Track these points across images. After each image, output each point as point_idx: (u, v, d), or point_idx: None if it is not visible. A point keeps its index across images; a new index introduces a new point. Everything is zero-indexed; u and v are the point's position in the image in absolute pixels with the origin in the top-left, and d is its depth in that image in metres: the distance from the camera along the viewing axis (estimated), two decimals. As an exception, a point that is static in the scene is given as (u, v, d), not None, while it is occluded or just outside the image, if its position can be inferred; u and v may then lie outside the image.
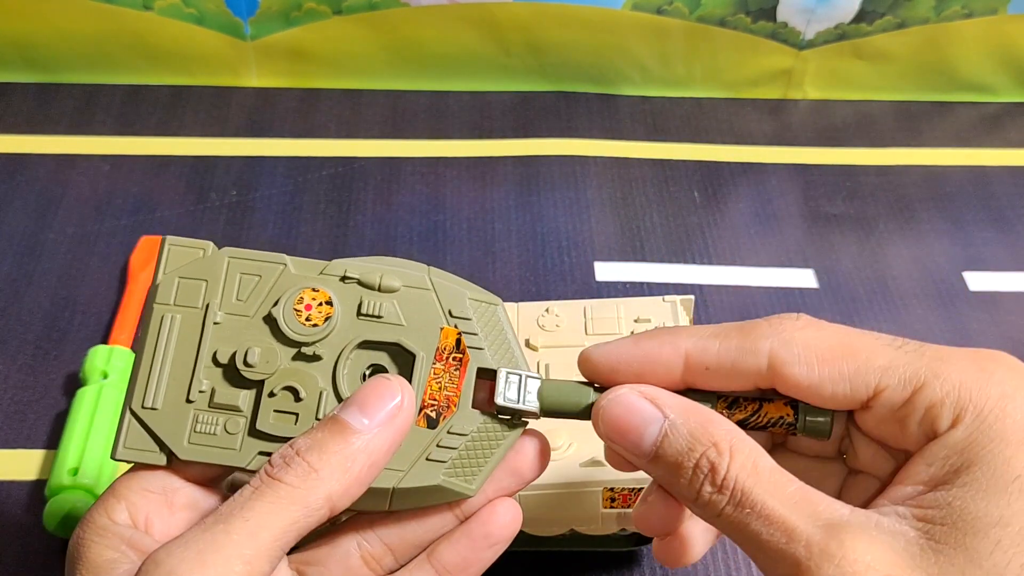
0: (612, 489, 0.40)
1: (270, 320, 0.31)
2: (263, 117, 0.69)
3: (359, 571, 0.31)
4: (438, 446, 0.30)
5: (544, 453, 0.32)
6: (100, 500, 0.29)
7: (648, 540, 0.45)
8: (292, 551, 0.30)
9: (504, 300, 0.32)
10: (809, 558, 0.25)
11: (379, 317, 0.31)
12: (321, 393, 0.30)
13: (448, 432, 0.30)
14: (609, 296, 0.58)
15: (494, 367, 0.31)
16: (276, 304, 0.31)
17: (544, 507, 0.40)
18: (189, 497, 0.30)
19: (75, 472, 0.46)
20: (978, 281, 0.61)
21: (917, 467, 0.27)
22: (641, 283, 0.59)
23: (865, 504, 0.27)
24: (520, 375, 0.31)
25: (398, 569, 0.31)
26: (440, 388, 0.30)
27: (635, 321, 0.45)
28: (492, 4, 0.67)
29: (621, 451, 0.29)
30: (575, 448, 0.41)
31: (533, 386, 0.30)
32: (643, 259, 0.61)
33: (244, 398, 0.30)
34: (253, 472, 0.29)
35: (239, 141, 0.68)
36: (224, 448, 0.30)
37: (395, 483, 0.30)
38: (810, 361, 0.28)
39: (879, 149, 0.69)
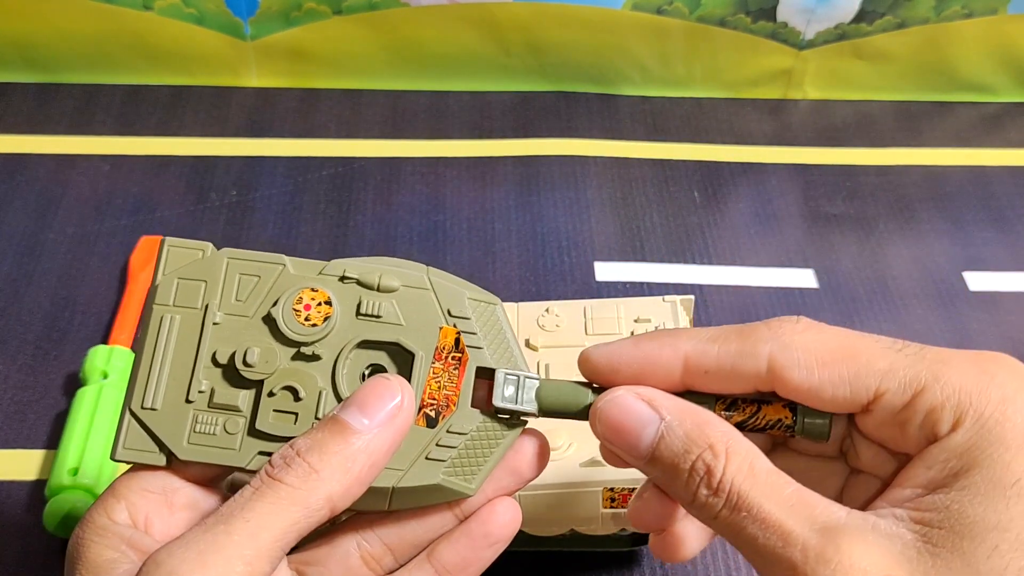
0: (612, 489, 0.40)
1: (269, 320, 0.31)
2: (263, 117, 0.69)
3: (359, 571, 0.31)
4: (437, 445, 0.30)
5: (544, 453, 0.32)
6: (100, 500, 0.29)
7: (648, 540, 0.45)
8: (292, 551, 0.30)
9: (504, 300, 0.32)
10: (805, 562, 0.25)
11: (378, 317, 0.31)
12: (320, 393, 0.30)
13: (447, 431, 0.30)
14: (609, 296, 0.58)
15: (493, 366, 0.31)
16: (275, 304, 0.31)
17: (544, 507, 0.40)
18: (189, 497, 0.30)
19: (75, 472, 0.46)
20: (978, 281, 0.61)
21: (916, 470, 0.27)
22: (641, 283, 0.59)
23: (867, 504, 0.27)
24: (518, 375, 0.31)
25: (398, 569, 0.31)
26: (439, 387, 0.31)
27: (635, 321, 0.45)
28: (492, 4, 0.67)
29: (618, 452, 0.29)
30: (575, 448, 0.41)
31: (531, 386, 0.31)
32: (643, 259, 0.61)
33: (243, 398, 0.30)
34: (253, 472, 0.29)
35: (239, 141, 0.68)
36: (224, 448, 0.30)
37: (395, 482, 0.30)
38: (810, 365, 0.28)
39: (879, 149, 0.69)
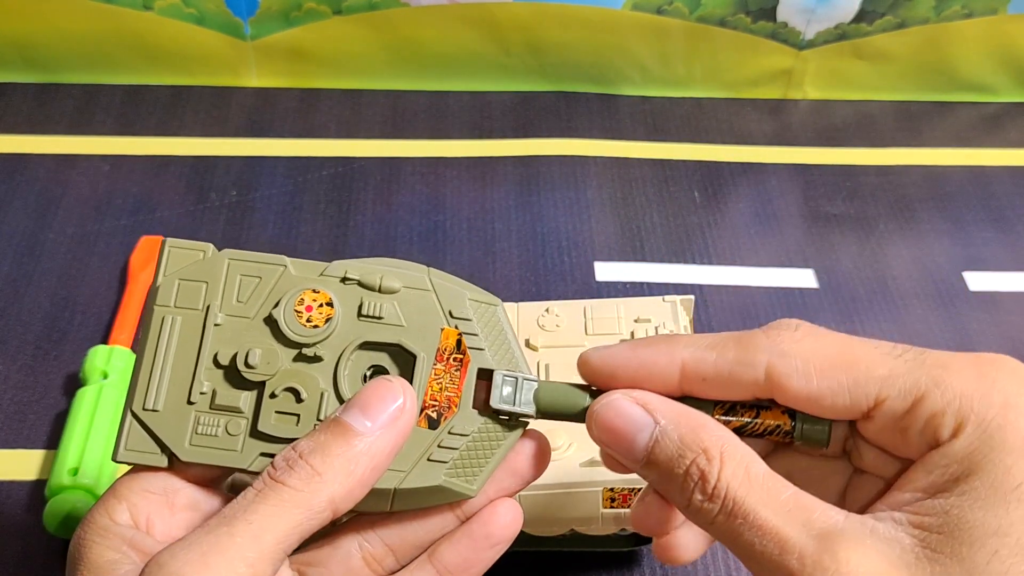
0: (612, 489, 0.40)
1: (271, 321, 0.31)
2: (263, 117, 0.69)
3: (360, 572, 0.31)
4: (439, 447, 0.30)
5: (544, 454, 0.32)
6: (101, 500, 0.29)
7: (648, 540, 0.45)
8: (293, 552, 0.30)
9: (504, 300, 0.32)
10: (803, 570, 0.24)
11: (380, 318, 0.31)
12: (322, 394, 0.30)
13: (449, 433, 0.30)
14: (609, 296, 0.58)
15: (494, 368, 0.31)
16: (277, 305, 0.31)
17: (544, 507, 0.40)
18: (190, 498, 0.30)
19: (75, 472, 0.46)
20: (978, 281, 0.61)
21: (916, 474, 0.26)
22: (641, 283, 0.59)
23: (869, 504, 0.27)
24: (516, 377, 0.31)
25: (399, 570, 0.31)
26: (441, 389, 0.31)
27: (635, 321, 0.45)
28: (492, 4, 0.67)
29: (615, 456, 0.29)
30: (575, 448, 0.41)
31: (530, 388, 0.31)
32: (643, 259, 0.61)
33: (245, 399, 0.30)
34: (255, 473, 0.29)
35: (239, 141, 0.68)
36: (225, 450, 0.30)
37: (397, 484, 0.30)
38: (808, 373, 0.28)
39: (879, 149, 0.69)
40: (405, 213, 0.63)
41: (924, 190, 0.66)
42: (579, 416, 0.30)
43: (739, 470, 0.26)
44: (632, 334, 0.45)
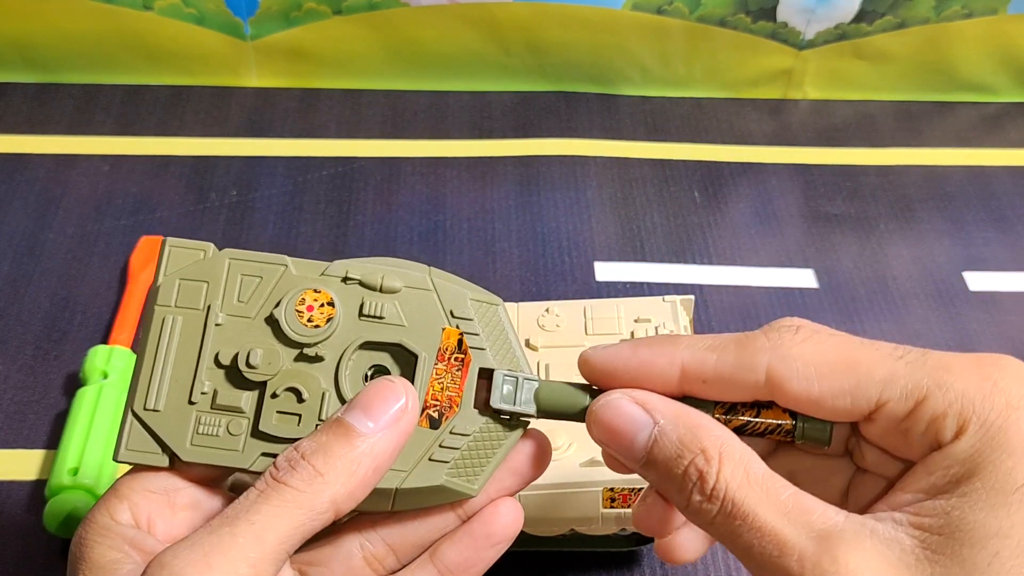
0: (612, 489, 0.40)
1: (272, 321, 0.31)
2: (263, 117, 0.69)
3: (361, 571, 0.31)
4: (441, 446, 0.30)
5: (545, 453, 0.32)
6: (102, 500, 0.29)
7: (647, 540, 0.45)
8: (294, 552, 0.30)
9: (504, 300, 0.32)
10: (802, 572, 0.24)
11: (381, 318, 0.31)
12: (324, 394, 0.30)
13: (451, 432, 0.30)
14: (609, 296, 0.58)
15: (495, 367, 0.31)
16: (278, 305, 0.31)
17: (544, 507, 0.40)
18: (191, 497, 0.30)
19: (75, 472, 0.46)
20: (978, 281, 0.61)
21: (918, 475, 0.26)
22: (641, 283, 0.59)
23: (871, 503, 0.27)
24: (516, 377, 0.31)
25: (400, 569, 0.31)
26: (442, 389, 0.31)
27: (635, 321, 0.45)
28: (492, 4, 0.67)
29: (615, 455, 0.29)
30: (575, 448, 0.41)
31: (530, 387, 0.31)
32: (643, 259, 0.61)
33: (246, 399, 0.30)
34: (256, 473, 0.29)
35: (239, 141, 0.67)
36: (227, 449, 0.30)
37: (398, 484, 0.30)
38: (809, 376, 0.27)
39: (879, 149, 0.69)
40: (405, 213, 0.63)
41: (924, 190, 0.66)
42: (579, 416, 0.30)
43: (738, 470, 0.26)
44: (632, 334, 0.45)
